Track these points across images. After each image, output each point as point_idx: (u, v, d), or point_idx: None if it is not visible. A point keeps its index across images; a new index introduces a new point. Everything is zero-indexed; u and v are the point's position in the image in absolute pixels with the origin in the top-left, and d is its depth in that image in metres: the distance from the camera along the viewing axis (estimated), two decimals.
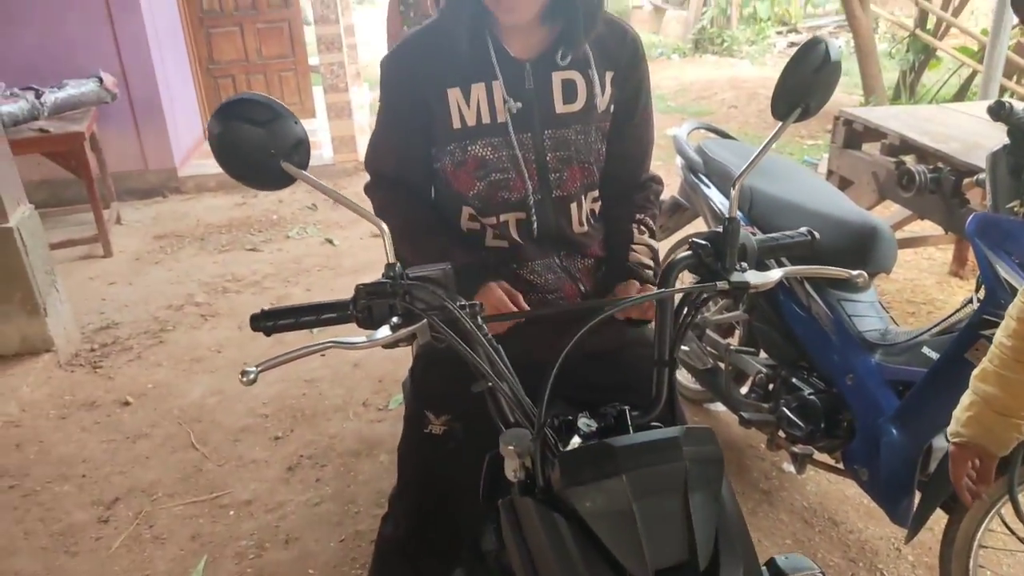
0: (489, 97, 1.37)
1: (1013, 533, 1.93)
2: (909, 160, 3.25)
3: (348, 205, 1.06)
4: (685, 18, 10.21)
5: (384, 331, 1.05)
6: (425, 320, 1.05)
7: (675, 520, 0.91)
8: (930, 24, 6.53)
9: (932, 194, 2.97)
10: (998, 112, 1.67)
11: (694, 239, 1.21)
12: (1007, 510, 1.88)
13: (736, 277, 1.15)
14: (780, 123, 1.19)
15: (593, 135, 1.43)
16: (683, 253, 1.21)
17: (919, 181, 2.91)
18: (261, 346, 3.59)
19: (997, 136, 3.24)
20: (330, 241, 4.89)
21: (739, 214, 2.53)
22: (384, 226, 1.05)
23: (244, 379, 0.99)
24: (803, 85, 1.17)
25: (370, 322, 1.07)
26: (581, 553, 0.90)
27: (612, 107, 1.45)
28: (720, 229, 1.20)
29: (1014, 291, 1.72)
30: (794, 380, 2.36)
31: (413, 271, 1.07)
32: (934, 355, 1.99)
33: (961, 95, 6.31)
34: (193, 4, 6.44)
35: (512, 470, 1.02)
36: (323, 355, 3.42)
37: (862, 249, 2.26)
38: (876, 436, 2.06)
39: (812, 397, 2.25)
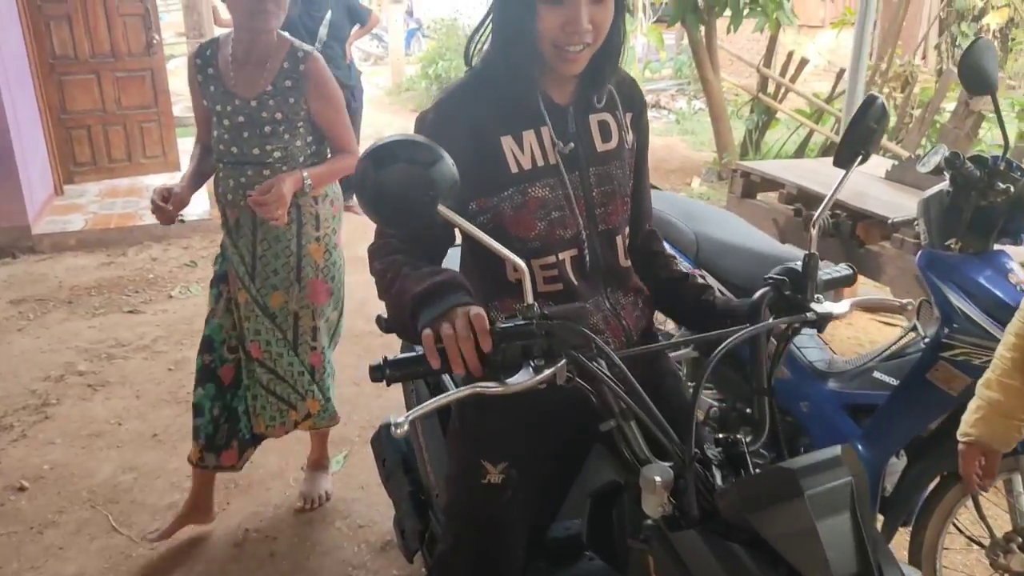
0: (540, 141, 1.41)
1: (962, 532, 2.14)
2: (796, 207, 3.59)
3: (494, 248, 1.05)
4: None
5: (525, 375, 1.03)
6: (564, 360, 1.05)
7: (848, 534, 0.96)
8: (770, 89, 7.24)
9: (832, 237, 3.30)
10: (952, 163, 1.90)
11: (772, 276, 1.29)
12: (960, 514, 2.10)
13: (821, 308, 1.24)
14: (844, 171, 1.32)
15: (626, 170, 1.50)
16: (764, 290, 1.28)
17: (822, 227, 3.22)
18: (166, 415, 3.33)
19: (876, 185, 3.64)
20: None
21: (686, 257, 2.69)
22: (523, 266, 1.05)
23: (396, 431, 0.96)
24: (864, 136, 1.31)
25: (503, 366, 1.05)
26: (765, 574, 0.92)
27: (636, 146, 1.53)
28: (794, 265, 1.29)
29: (967, 317, 1.95)
30: (749, 411, 2.50)
31: (550, 310, 1.06)
32: (887, 379, 2.19)
33: (801, 151, 7.01)
34: (43, 49, 5.97)
35: (658, 505, 1.03)
36: None
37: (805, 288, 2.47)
38: None
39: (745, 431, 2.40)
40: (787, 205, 3.52)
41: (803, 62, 7.05)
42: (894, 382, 2.15)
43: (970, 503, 2.00)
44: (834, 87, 7.10)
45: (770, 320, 1.22)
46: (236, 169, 2.35)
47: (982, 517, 1.98)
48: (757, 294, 1.28)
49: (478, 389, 1.01)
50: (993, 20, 9.78)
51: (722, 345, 1.14)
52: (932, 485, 2.08)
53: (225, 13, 6.18)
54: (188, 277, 5.00)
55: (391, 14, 10.70)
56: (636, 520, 1.21)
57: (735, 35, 6.29)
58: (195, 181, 2.47)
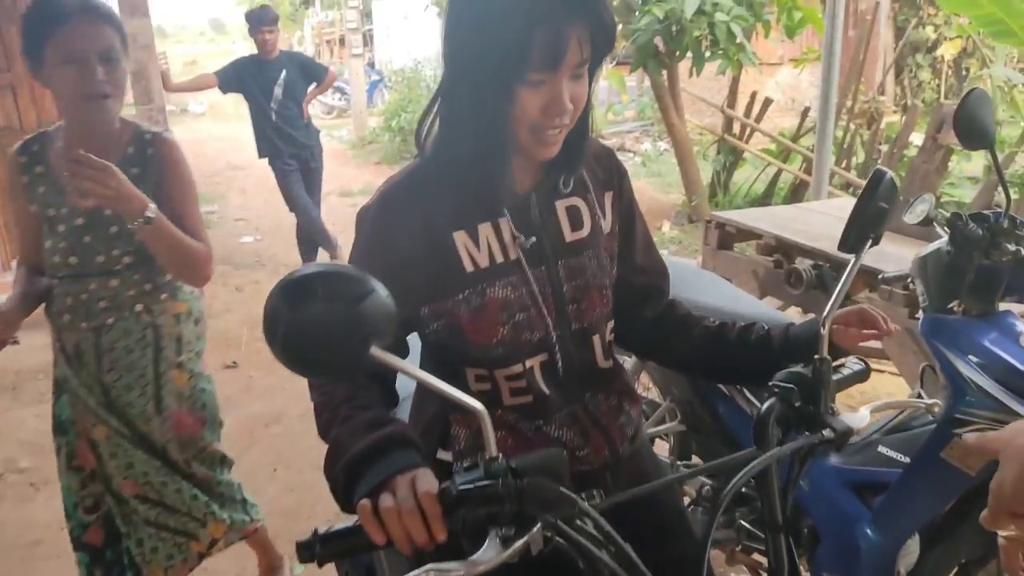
0: (498, 235, 1.23)
1: None
2: (775, 258, 3.45)
3: (445, 392, 0.85)
4: None
5: (493, 549, 0.83)
6: (539, 526, 0.85)
7: None
8: (735, 129, 7.20)
9: (815, 289, 3.15)
10: (954, 223, 1.75)
11: (777, 383, 1.10)
12: None
13: (839, 424, 1.05)
14: (853, 255, 1.14)
15: (604, 258, 1.33)
16: (769, 403, 1.09)
17: (806, 278, 3.07)
18: None
19: None
20: None
21: None
22: (483, 411, 0.85)
23: None
24: (875, 217, 1.14)
25: (462, 535, 0.86)
26: None
27: (617, 227, 1.36)
28: (801, 369, 1.10)
29: (979, 388, 1.78)
30: (744, 490, 2.31)
31: (520, 462, 0.86)
32: (893, 454, 2.00)
33: (770, 190, 6.95)
34: None
35: None
36: None
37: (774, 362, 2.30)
38: (850, 541, 2.02)
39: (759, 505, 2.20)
40: (766, 256, 3.37)
41: (767, 101, 7.03)
42: (902, 458, 1.97)
43: None
44: (800, 125, 7.08)
45: (781, 446, 1.03)
46: (76, 283, 1.96)
47: None
48: (763, 408, 1.09)
49: (435, 569, 0.80)
50: (947, 51, 9.92)
51: (731, 484, 0.95)
52: (952, 574, 1.89)
53: (176, 77, 6.03)
54: None
55: (352, 66, 10.62)
56: None
57: (696, 77, 6.23)
58: (26, 303, 1.99)
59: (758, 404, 2.27)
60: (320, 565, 0.87)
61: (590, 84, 1.15)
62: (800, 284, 3.00)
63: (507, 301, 1.21)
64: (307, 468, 3.36)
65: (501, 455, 0.86)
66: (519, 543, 0.82)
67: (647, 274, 1.43)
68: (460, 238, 1.21)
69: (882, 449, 2.05)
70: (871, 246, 1.18)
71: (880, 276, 2.52)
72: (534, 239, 1.23)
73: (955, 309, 1.91)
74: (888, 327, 1.24)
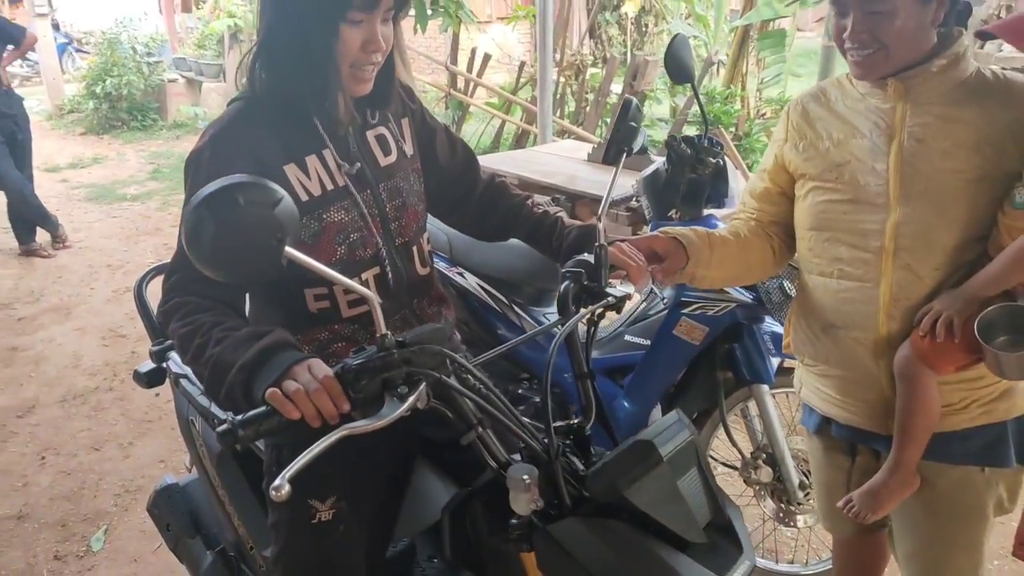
0: (325, 165, 1.37)
1: (716, 460, 2.49)
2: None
3: (345, 283, 1.02)
4: (224, 89, 10.10)
5: (395, 406, 1.01)
6: (424, 384, 1.05)
7: (700, 486, 1.10)
8: (460, 84, 7.60)
9: None
10: (670, 144, 2.18)
11: (569, 269, 1.40)
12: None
13: (618, 293, 1.38)
14: (613, 166, 1.47)
15: (413, 178, 1.51)
16: (565, 284, 1.39)
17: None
18: None
19: (582, 168, 4.01)
20: None
21: (441, 257, 2.77)
22: (374, 297, 1.03)
23: (277, 494, 0.91)
24: (627, 134, 1.47)
25: (364, 403, 1.04)
26: (648, 542, 1.03)
27: (418, 148, 1.56)
28: (585, 257, 1.41)
29: None
30: (520, 392, 2.68)
31: (406, 336, 1.06)
32: (637, 339, 2.46)
33: (496, 141, 7.46)
34: None
35: (529, 502, 1.09)
36: None
37: (553, 269, 2.68)
38: (609, 415, 2.45)
39: (537, 401, 2.58)
40: None
41: (487, 57, 7.48)
42: (644, 342, 2.43)
43: (722, 434, 2.33)
44: (517, 78, 7.63)
45: (579, 312, 1.33)
46: None
47: (733, 443, 2.32)
48: (562, 287, 1.38)
49: (349, 430, 0.98)
50: (629, 9, 11.09)
51: (558, 336, 1.23)
52: None
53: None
54: None
55: (38, 28, 9.39)
56: (492, 521, 1.27)
57: (422, 34, 6.47)
58: None
59: (525, 316, 2.65)
60: (242, 448, 0.99)
61: (395, 29, 1.35)
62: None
63: (342, 224, 1.37)
64: (80, 450, 3.21)
65: (389, 333, 1.05)
66: (412, 397, 1.00)
67: (458, 171, 1.64)
68: (291, 171, 1.34)
69: (628, 338, 2.51)
70: (626, 156, 1.51)
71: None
72: (358, 165, 1.40)
73: (673, 216, 2.38)
74: (636, 265, 1.46)
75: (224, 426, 0.98)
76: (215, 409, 1.77)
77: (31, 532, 2.72)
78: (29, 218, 5.54)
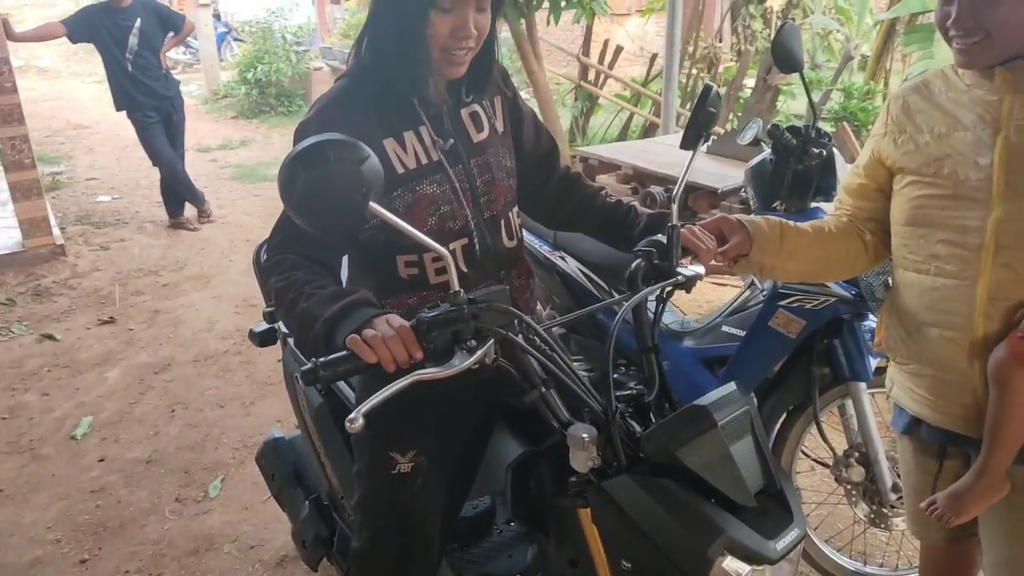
0: (420, 141, 1.45)
1: (808, 456, 2.42)
2: (632, 186, 3.85)
3: (422, 240, 1.10)
4: None
5: (464, 358, 1.08)
6: (492, 340, 1.11)
7: (753, 454, 1.11)
8: (590, 76, 7.61)
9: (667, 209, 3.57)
10: (774, 134, 2.14)
11: (640, 248, 1.42)
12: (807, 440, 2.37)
13: (688, 271, 1.39)
14: (691, 151, 1.48)
15: (504, 154, 1.58)
16: (636, 262, 1.41)
17: (659, 200, 3.47)
18: (10, 468, 3.08)
19: (700, 160, 3.95)
20: (50, 337, 4.28)
21: (546, 241, 2.82)
22: (447, 253, 1.10)
23: (351, 426, 1.00)
24: (706, 120, 1.47)
25: (434, 354, 1.11)
26: (697, 502, 1.05)
27: (509, 126, 1.62)
28: (658, 237, 1.43)
29: None
30: (616, 377, 2.69)
31: (475, 295, 1.12)
32: (735, 331, 2.42)
33: (624, 133, 7.43)
34: None
35: (587, 460, 1.13)
36: (102, 459, 3.07)
37: None
38: None
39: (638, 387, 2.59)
40: (624, 184, 3.75)
41: (618, 49, 7.46)
42: (741, 333, 2.39)
43: (814, 430, 2.27)
44: (648, 71, 7.57)
45: (647, 288, 1.35)
46: None
47: (825, 440, 2.25)
48: (632, 265, 1.41)
49: (419, 376, 1.05)
50: (775, 2, 10.74)
51: (624, 307, 1.27)
52: (781, 419, 2.33)
53: (18, 27, 5.68)
54: (6, 316, 4.59)
55: (199, 18, 10.19)
56: (555, 481, 1.31)
57: (554, 25, 6.54)
58: None
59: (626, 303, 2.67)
60: (322, 387, 1.09)
61: (493, 18, 1.41)
62: (655, 205, 3.41)
63: (433, 196, 1.45)
64: (206, 406, 3.48)
65: (461, 291, 1.11)
66: (480, 351, 1.08)
67: (540, 157, 1.69)
68: (390, 144, 1.43)
69: (725, 328, 2.47)
70: (704, 142, 1.52)
71: (719, 190, 2.95)
72: (452, 141, 1.47)
73: (777, 208, 2.33)
74: (707, 248, 1.46)
75: (307, 366, 1.07)
76: None
77: (158, 476, 2.98)
78: (179, 193, 6.02)
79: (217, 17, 14.19)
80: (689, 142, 1.53)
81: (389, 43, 1.39)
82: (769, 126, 2.16)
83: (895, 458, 2.21)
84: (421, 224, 1.45)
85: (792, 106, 7.17)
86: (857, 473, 2.20)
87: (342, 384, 1.86)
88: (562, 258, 2.76)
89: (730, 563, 1.06)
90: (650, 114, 7.22)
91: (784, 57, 2.01)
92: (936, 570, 1.77)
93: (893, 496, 2.16)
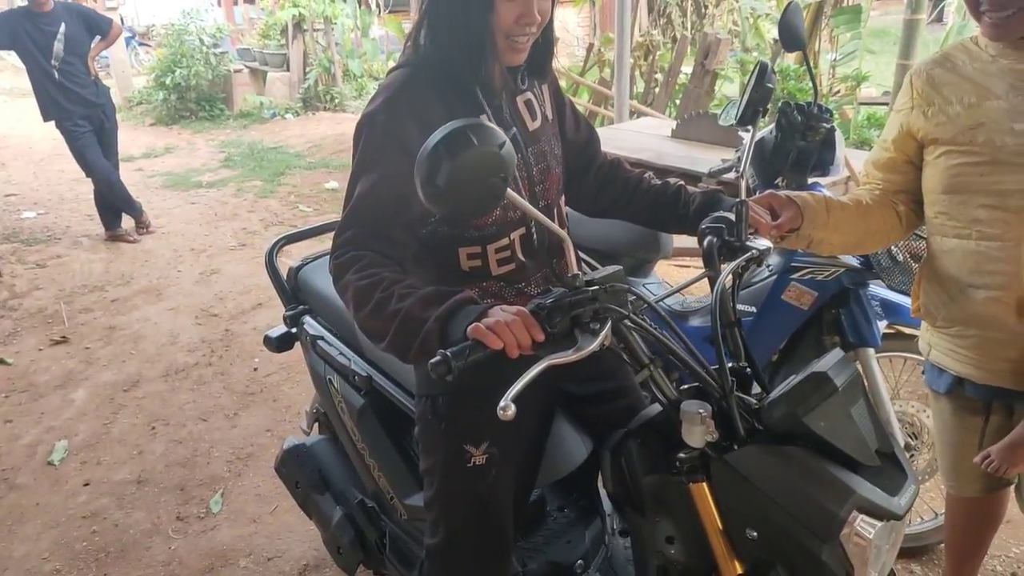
0: None
1: None
2: None
3: (543, 221, 1.10)
4: (289, 78, 10.32)
5: (589, 340, 1.08)
6: (611, 320, 1.12)
7: (867, 416, 1.15)
8: None
9: None
10: (784, 111, 2.20)
11: (709, 225, 1.45)
12: None
13: (760, 245, 1.42)
14: (751, 128, 1.51)
15: (554, 142, 1.57)
16: (708, 239, 1.44)
17: None
18: None
19: (667, 144, 4.02)
20: (1, 361, 4.03)
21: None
22: (567, 237, 1.10)
23: (504, 413, 0.99)
24: (762, 95, 1.51)
25: (558, 337, 1.10)
26: (826, 465, 1.09)
27: (554, 113, 1.61)
28: (725, 214, 1.46)
29: None
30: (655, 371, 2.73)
31: (591, 277, 1.12)
32: (743, 307, 2.48)
33: None
34: None
35: (704, 434, 1.15)
36: (87, 483, 2.93)
37: (653, 241, 2.74)
38: None
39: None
40: None
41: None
42: (750, 308, 2.45)
43: None
44: (586, 60, 7.64)
45: (731, 263, 1.38)
46: None
47: None
48: (705, 242, 1.43)
49: (553, 360, 1.05)
50: None
51: (718, 283, 1.30)
52: None
53: None
54: None
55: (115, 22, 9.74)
56: (649, 461, 1.33)
57: None
58: None
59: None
60: (455, 378, 1.06)
61: (553, 3, 1.41)
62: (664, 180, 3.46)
63: None
64: (188, 421, 3.35)
65: (579, 273, 1.11)
66: (604, 332, 1.08)
67: (580, 145, 1.69)
68: None
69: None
70: (763, 116, 1.56)
71: (708, 171, 3.00)
72: (513, 130, 1.46)
73: (779, 184, 2.40)
74: (766, 222, 1.51)
75: (437, 358, 1.05)
76: (355, 366, 1.85)
77: (152, 495, 2.86)
78: (115, 204, 5.75)
79: (121, 21, 13.60)
80: (747, 118, 1.56)
81: (452, 32, 1.37)
82: (780, 104, 2.22)
83: (904, 420, 2.32)
84: (487, 215, 1.44)
85: (728, 89, 7.37)
86: None
87: (384, 382, 1.83)
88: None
89: (861, 522, 1.09)
90: (589, 103, 7.30)
91: (789, 35, 2.06)
92: (968, 521, 1.87)
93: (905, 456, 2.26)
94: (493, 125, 1.04)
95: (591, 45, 7.60)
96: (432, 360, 1.06)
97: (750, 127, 1.59)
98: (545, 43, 1.47)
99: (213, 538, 2.61)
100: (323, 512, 2.10)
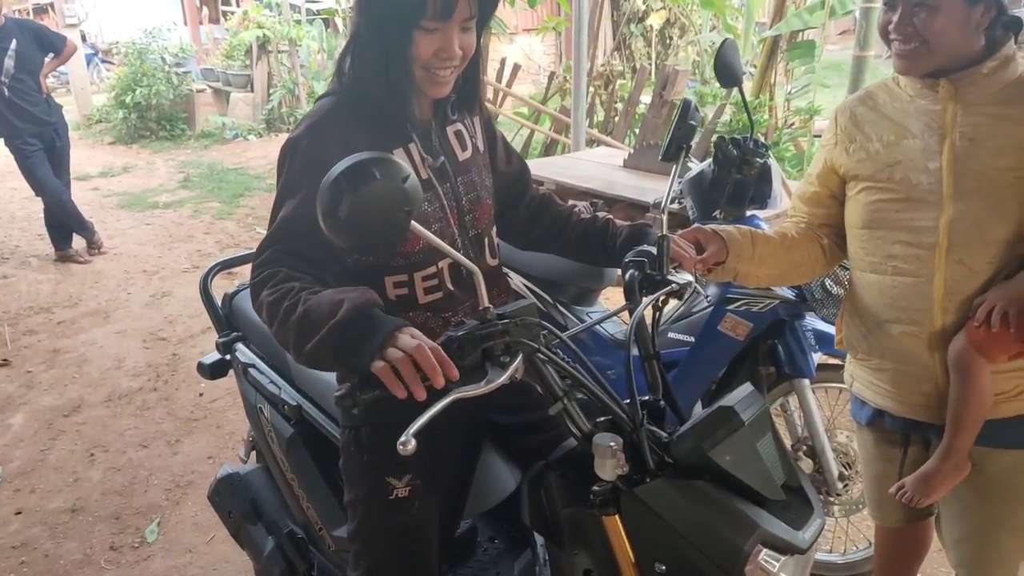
0: (410, 158, 1.44)
1: None
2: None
3: (453, 255, 1.10)
4: (252, 99, 10.28)
5: (498, 373, 1.08)
6: (522, 354, 1.12)
7: (774, 450, 1.17)
8: (489, 95, 7.69)
9: None
10: (718, 145, 2.24)
11: (632, 259, 1.47)
12: None
13: (681, 279, 1.44)
14: (674, 163, 1.54)
15: (485, 173, 1.58)
16: (630, 272, 1.46)
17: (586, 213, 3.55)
18: None
19: (618, 173, 4.07)
20: None
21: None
22: (477, 270, 1.09)
23: (404, 449, 0.98)
24: (686, 132, 1.54)
25: (469, 371, 1.09)
26: (732, 500, 1.10)
27: (485, 145, 1.62)
28: (648, 248, 1.48)
29: None
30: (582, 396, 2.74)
31: (502, 310, 1.12)
32: (681, 336, 2.51)
33: (525, 150, 7.54)
34: None
35: (615, 467, 1.15)
36: (19, 512, 2.85)
37: (596, 270, 2.76)
38: None
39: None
40: None
41: (516, 68, 7.58)
42: (688, 338, 2.48)
43: None
44: (547, 89, 7.72)
45: (648, 297, 1.40)
46: None
47: None
48: (627, 276, 1.45)
49: (460, 394, 1.04)
50: (654, 21, 11.19)
51: (634, 316, 1.31)
52: None
53: None
54: None
55: (69, 38, 9.62)
56: (567, 493, 1.33)
57: None
58: None
59: (569, 315, 2.71)
60: (358, 411, 1.05)
61: (478, 37, 1.42)
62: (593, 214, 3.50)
63: (425, 215, 1.44)
64: (128, 448, 3.28)
65: (491, 307, 1.11)
66: (513, 365, 1.07)
67: (511, 178, 1.70)
68: None
69: (671, 335, 2.56)
70: (686, 154, 1.59)
71: (653, 202, 3.05)
72: (441, 159, 1.47)
73: (717, 217, 2.44)
74: (689, 256, 1.54)
75: (342, 391, 1.04)
76: (285, 395, 1.84)
77: (86, 524, 2.79)
78: (66, 224, 5.66)
79: (83, 39, 13.45)
80: (671, 155, 1.59)
81: (373, 62, 1.37)
82: (714, 139, 2.26)
83: (838, 450, 2.36)
84: (414, 243, 1.43)
85: None
86: (806, 465, 2.32)
87: (314, 411, 1.82)
88: (505, 274, 2.78)
89: (765, 556, 1.11)
90: (550, 131, 7.37)
91: (725, 72, 2.11)
92: (894, 550, 1.89)
93: (839, 485, 2.29)
94: (397, 159, 1.04)
95: (552, 74, 7.70)
96: (337, 393, 1.06)
97: (674, 163, 1.62)
98: (472, 76, 1.48)
99: (147, 568, 2.55)
100: (255, 543, 2.06)
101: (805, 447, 2.35)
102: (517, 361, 1.09)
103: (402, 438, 0.98)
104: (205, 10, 14.45)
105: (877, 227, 1.55)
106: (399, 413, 1.06)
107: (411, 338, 1.10)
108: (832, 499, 2.33)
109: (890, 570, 1.93)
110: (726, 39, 2.07)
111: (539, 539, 1.82)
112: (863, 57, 4.49)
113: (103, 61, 15.02)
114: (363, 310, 1.16)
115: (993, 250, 1.42)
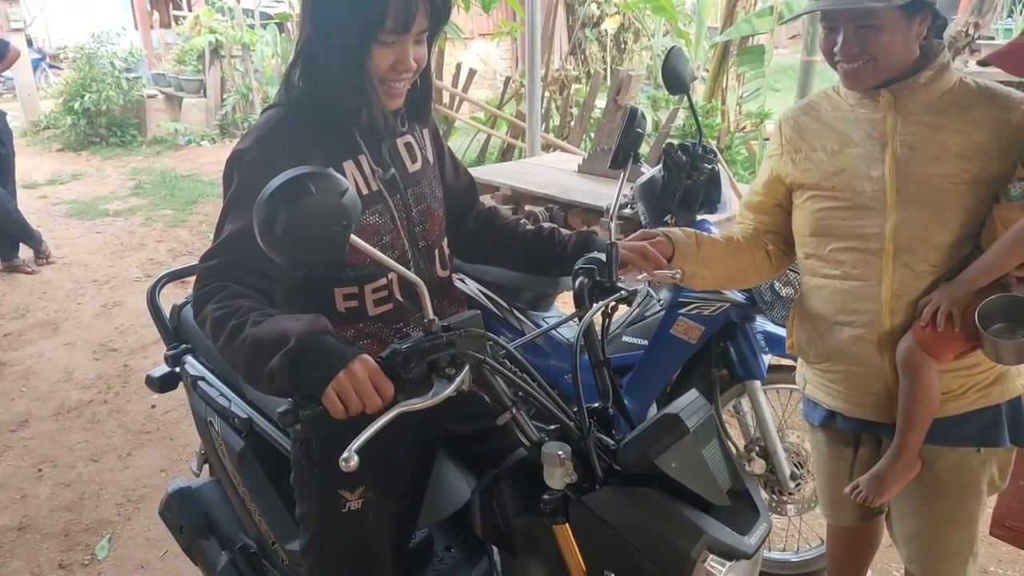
0: (360, 170, 1.43)
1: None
2: (512, 206, 3.94)
3: (398, 270, 1.09)
4: (205, 105, 10.11)
5: (444, 386, 1.08)
6: (468, 366, 1.12)
7: (720, 456, 1.18)
8: (445, 100, 7.69)
9: None
10: (667, 151, 2.27)
11: (581, 267, 1.48)
12: None
13: (630, 287, 1.46)
14: (622, 170, 1.55)
15: (434, 184, 1.58)
16: (579, 279, 1.46)
17: (543, 219, 3.58)
18: None
19: (574, 179, 4.10)
20: None
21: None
22: (422, 284, 1.09)
23: (347, 465, 0.98)
24: (633, 140, 1.55)
25: (413, 384, 1.09)
26: (677, 506, 1.11)
27: (434, 157, 1.63)
28: (597, 255, 1.49)
29: None
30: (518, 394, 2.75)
31: (448, 322, 1.12)
32: (635, 340, 2.54)
33: (482, 155, 7.55)
34: None
35: (564, 476, 1.16)
36: None
37: (552, 278, 2.77)
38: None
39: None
40: (504, 205, 3.83)
41: (472, 73, 7.58)
42: (642, 342, 2.50)
43: None
44: (503, 94, 7.74)
45: (598, 304, 1.41)
46: None
47: (728, 437, 2.39)
48: (576, 283, 1.46)
49: (405, 408, 1.04)
50: (609, 26, 11.28)
51: (584, 319, 1.32)
52: None
53: None
54: None
55: (14, 43, 9.36)
56: (519, 502, 1.34)
57: None
58: None
59: (526, 320, 2.72)
60: (302, 427, 1.04)
61: (429, 49, 1.42)
62: (538, 224, 3.51)
63: (375, 227, 1.43)
64: (77, 462, 3.21)
65: (435, 319, 1.11)
66: (459, 378, 1.07)
67: (459, 191, 1.71)
68: None
69: (625, 339, 2.58)
70: (633, 161, 1.60)
71: (607, 206, 3.07)
72: (392, 171, 1.46)
73: (668, 222, 2.46)
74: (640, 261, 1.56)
75: (284, 408, 1.04)
76: (235, 408, 1.81)
77: (33, 543, 2.72)
78: (12, 234, 5.52)
79: (29, 43, 13.11)
80: (619, 162, 1.60)
81: (328, 74, 1.36)
82: (664, 144, 2.29)
83: (790, 450, 2.40)
84: (363, 255, 1.42)
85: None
86: (759, 466, 2.35)
87: (265, 424, 1.80)
88: (461, 280, 2.78)
89: (711, 561, 1.12)
90: (506, 136, 7.38)
91: (672, 79, 2.14)
92: (846, 548, 1.93)
93: (792, 484, 2.34)
94: (334, 173, 1.03)
95: (508, 79, 7.72)
96: (279, 410, 1.05)
97: (623, 170, 1.63)
98: (424, 87, 1.48)
99: None
100: (208, 558, 2.03)
101: (758, 448, 2.39)
102: (464, 373, 1.09)
103: (344, 454, 0.98)
104: (156, 14, 14.19)
105: (824, 234, 1.58)
106: (347, 427, 1.06)
107: (362, 365, 1.09)
108: (785, 498, 2.37)
109: (843, 567, 1.97)
110: (673, 47, 2.10)
111: (494, 548, 1.82)
112: (811, 61, 4.59)
113: (51, 66, 14.65)
114: (313, 338, 1.15)
115: (937, 254, 1.47)
